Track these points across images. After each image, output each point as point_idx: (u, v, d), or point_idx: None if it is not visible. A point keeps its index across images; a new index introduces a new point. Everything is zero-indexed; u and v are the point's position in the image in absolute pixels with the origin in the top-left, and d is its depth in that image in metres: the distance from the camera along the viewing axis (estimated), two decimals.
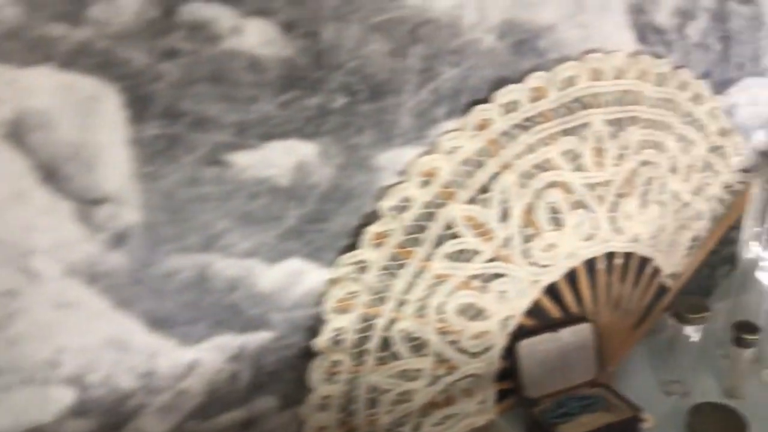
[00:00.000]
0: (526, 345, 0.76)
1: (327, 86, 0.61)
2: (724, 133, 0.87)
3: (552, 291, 0.78)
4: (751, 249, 0.81)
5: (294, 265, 0.65)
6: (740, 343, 0.77)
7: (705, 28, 0.82)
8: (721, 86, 0.86)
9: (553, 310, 0.78)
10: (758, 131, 0.92)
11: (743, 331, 0.77)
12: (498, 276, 0.74)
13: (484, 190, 0.71)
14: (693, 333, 0.77)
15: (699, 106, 0.84)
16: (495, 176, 0.71)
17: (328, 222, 0.65)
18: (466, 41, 0.66)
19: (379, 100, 0.64)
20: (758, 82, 0.89)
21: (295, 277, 0.66)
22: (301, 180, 0.63)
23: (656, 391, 0.81)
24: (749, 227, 0.81)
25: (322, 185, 0.64)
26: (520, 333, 0.77)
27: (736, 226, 0.93)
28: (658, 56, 0.79)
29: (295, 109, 0.60)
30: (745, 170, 0.92)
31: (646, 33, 0.78)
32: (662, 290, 0.85)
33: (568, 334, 0.78)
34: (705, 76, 0.84)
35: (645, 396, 0.80)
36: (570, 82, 0.73)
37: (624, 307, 0.82)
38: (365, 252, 0.67)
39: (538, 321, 0.78)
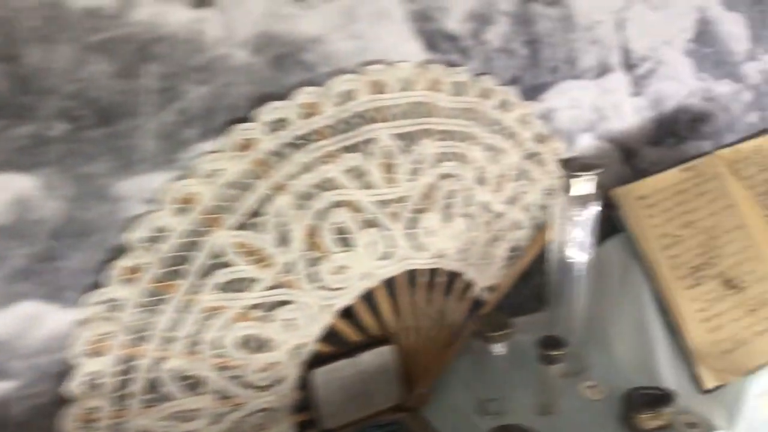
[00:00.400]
0: (321, 373, 0.70)
1: (40, 113, 0.54)
2: (540, 139, 0.83)
3: (349, 314, 0.72)
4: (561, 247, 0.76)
5: (29, 308, 0.58)
6: (546, 360, 0.72)
7: (507, 33, 0.77)
8: (533, 91, 0.81)
9: (351, 334, 0.72)
10: (583, 135, 0.88)
11: (549, 347, 0.72)
12: (283, 303, 0.68)
13: (256, 214, 0.65)
14: (499, 350, 0.72)
15: (507, 114, 0.79)
16: (267, 199, 0.65)
17: (65, 259, 0.58)
18: (213, 57, 0.60)
19: (111, 124, 0.57)
20: (577, 85, 0.85)
21: (33, 321, 0.59)
22: (23, 216, 0.56)
23: (473, 410, 0.76)
24: (557, 235, 0.76)
25: (51, 220, 0.57)
26: (316, 361, 0.71)
27: None
28: (454, 64, 0.74)
29: (3, 140, 0.54)
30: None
31: (436, 41, 0.72)
32: (478, 304, 0.80)
33: (368, 358, 0.72)
34: (513, 82, 0.79)
35: (461, 416, 0.75)
36: (348, 96, 0.68)
37: (433, 325, 0.77)
38: (115, 289, 0.61)
39: (335, 347, 0.72)
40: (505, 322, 0.73)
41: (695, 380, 0.78)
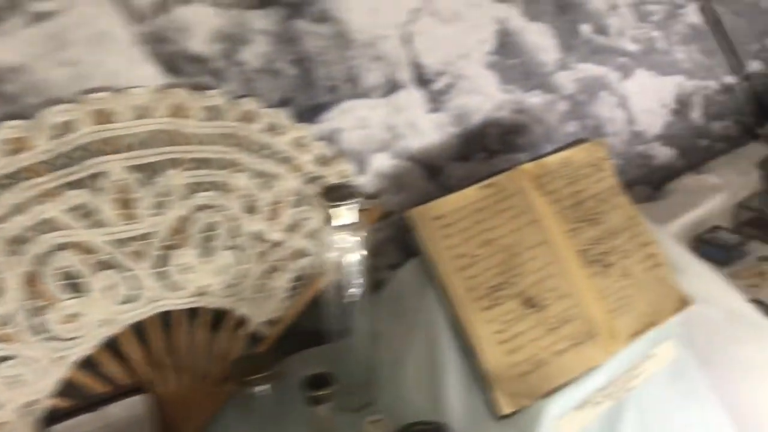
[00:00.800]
0: (58, 431, 0.63)
1: None
2: (323, 162, 0.77)
3: (92, 364, 0.65)
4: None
5: None
6: (312, 400, 0.66)
7: (268, 52, 0.71)
8: (310, 113, 0.75)
9: (96, 385, 0.65)
10: (377, 155, 0.83)
11: (313, 386, 0.66)
12: (3, 359, 0.60)
13: None
14: (263, 391, 0.66)
15: (278, 137, 0.73)
16: None
17: None
18: None
19: None
20: (363, 104, 0.79)
21: None
22: None
23: None
24: (329, 265, 0.71)
25: None
26: (54, 417, 0.63)
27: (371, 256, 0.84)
28: (204, 88, 0.68)
29: None
30: (368, 197, 0.82)
31: (178, 64, 0.66)
32: (258, 339, 0.74)
33: (116, 411, 0.64)
34: (283, 103, 0.73)
35: None
36: (66, 128, 0.60)
37: (199, 367, 0.70)
38: None
39: (78, 400, 0.64)
40: (266, 363, 0.67)
41: (491, 406, 0.73)
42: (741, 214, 1.03)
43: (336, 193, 0.67)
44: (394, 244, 0.84)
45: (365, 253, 0.68)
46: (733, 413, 0.82)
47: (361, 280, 0.69)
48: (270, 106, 0.72)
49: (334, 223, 0.66)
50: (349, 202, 0.66)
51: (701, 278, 0.88)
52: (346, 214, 0.66)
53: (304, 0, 0.71)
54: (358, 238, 0.67)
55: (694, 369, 0.81)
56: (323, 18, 0.73)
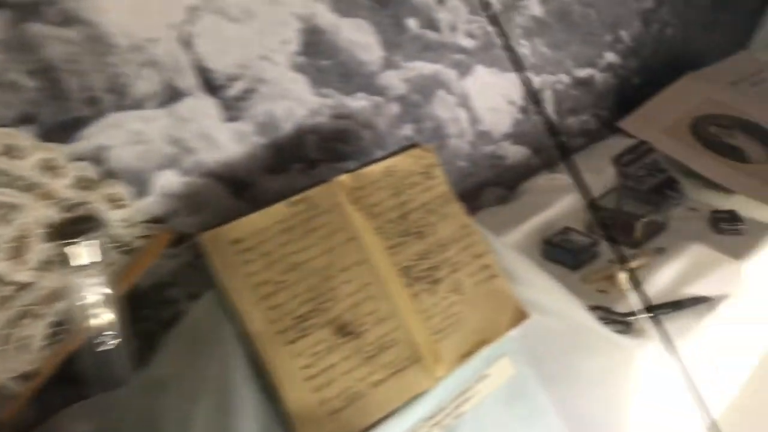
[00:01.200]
0: None
1: None
2: (85, 185, 0.66)
3: None
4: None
5: None
6: None
7: None
8: (62, 130, 0.64)
9: None
10: (162, 173, 0.72)
11: None
12: None
13: None
14: None
15: (18, 161, 0.61)
16: None
17: None
18: None
19: None
20: (135, 116, 0.68)
21: None
22: None
23: None
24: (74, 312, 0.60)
25: None
26: None
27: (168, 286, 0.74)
28: None
29: None
30: (152, 221, 0.72)
31: None
32: (6, 398, 0.62)
33: None
34: (23, 121, 0.62)
35: None
36: None
37: None
38: None
39: None
40: (13, 426, 0.56)
41: None
42: (593, 214, 0.97)
43: (72, 228, 0.56)
44: (195, 272, 0.74)
45: (113, 294, 0.58)
46: (575, 429, 0.75)
47: (115, 326, 0.58)
48: (4, 126, 0.60)
49: (73, 263, 0.56)
50: (87, 237, 0.55)
51: (541, 288, 0.81)
52: (87, 252, 0.56)
53: (38, 0, 0.60)
54: (104, 279, 0.57)
55: (534, 385, 0.74)
56: (68, 21, 0.62)
